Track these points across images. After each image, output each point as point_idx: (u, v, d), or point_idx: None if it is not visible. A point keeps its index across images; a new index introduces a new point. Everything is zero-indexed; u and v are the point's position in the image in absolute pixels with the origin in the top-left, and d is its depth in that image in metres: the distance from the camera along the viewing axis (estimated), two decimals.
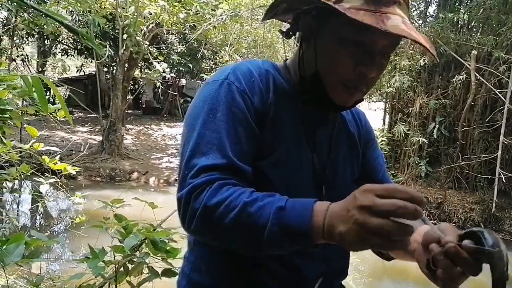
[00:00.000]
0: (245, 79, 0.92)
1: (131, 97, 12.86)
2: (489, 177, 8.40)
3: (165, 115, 19.59)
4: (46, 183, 2.61)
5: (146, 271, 1.74)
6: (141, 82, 18.49)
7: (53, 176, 3.16)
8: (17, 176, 2.78)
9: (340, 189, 1.00)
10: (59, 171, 2.69)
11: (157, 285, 1.84)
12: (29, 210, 6.92)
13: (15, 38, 12.28)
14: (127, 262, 1.70)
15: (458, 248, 0.68)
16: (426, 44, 0.83)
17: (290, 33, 0.99)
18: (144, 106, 21.47)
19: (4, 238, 1.51)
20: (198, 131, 0.87)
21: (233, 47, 13.43)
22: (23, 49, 15.72)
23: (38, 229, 6.46)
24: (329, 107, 0.98)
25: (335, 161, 1.03)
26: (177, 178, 0.89)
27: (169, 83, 18.93)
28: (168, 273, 1.72)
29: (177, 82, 19.47)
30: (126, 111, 12.91)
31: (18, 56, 14.41)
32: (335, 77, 0.90)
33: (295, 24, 0.98)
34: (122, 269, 1.68)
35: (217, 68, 15.79)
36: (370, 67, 0.88)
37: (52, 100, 14.56)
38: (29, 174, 2.64)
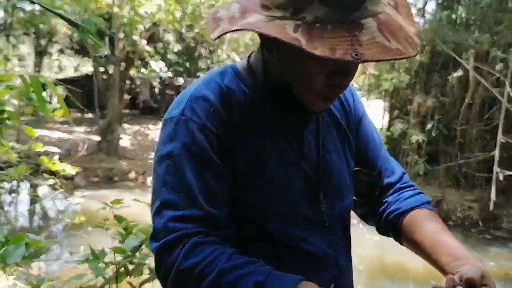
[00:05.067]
0: (203, 111, 0.82)
1: (128, 96, 12.84)
2: (487, 175, 8.43)
3: (162, 115, 19.42)
4: (45, 184, 2.59)
5: (147, 271, 1.73)
6: (138, 82, 18.47)
7: (52, 176, 3.15)
8: (16, 177, 2.77)
9: (338, 188, 0.97)
10: (57, 172, 2.67)
11: (157, 285, 1.83)
12: (28, 210, 6.89)
13: (11, 38, 12.24)
14: (127, 263, 1.69)
15: None
16: (410, 50, 0.69)
17: None
18: (141, 105, 21.41)
19: (4, 239, 1.50)
20: (162, 179, 0.82)
21: (230, 45, 13.43)
22: (19, 49, 15.67)
23: (37, 230, 6.45)
24: (304, 112, 0.88)
25: (327, 159, 0.96)
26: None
27: (166, 82, 18.90)
28: None
29: (174, 81, 19.43)
30: (123, 111, 12.88)
31: (14, 56, 14.36)
32: (310, 90, 0.81)
33: None
34: (122, 269, 1.67)
35: (214, 67, 15.79)
36: (346, 76, 0.78)
37: (48, 100, 14.53)
38: (27, 174, 2.63)
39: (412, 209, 1.01)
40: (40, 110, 2.48)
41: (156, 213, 0.81)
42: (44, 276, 1.66)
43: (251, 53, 0.94)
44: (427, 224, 0.97)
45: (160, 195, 0.82)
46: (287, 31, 0.69)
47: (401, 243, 1.03)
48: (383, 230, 1.07)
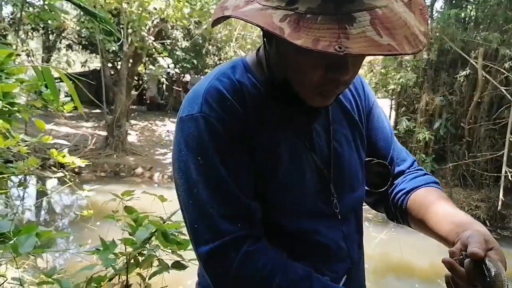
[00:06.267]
0: (221, 106, 0.82)
1: (136, 92, 12.90)
2: (495, 174, 8.38)
3: (169, 111, 19.62)
4: (54, 177, 2.60)
5: (156, 263, 1.74)
6: (145, 78, 18.52)
7: (60, 170, 3.16)
8: (25, 170, 2.78)
9: (349, 179, 0.97)
10: (67, 164, 2.68)
11: (167, 277, 1.84)
12: (35, 204, 6.96)
13: (20, 33, 12.31)
14: (137, 255, 1.70)
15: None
16: (406, 47, 0.66)
17: None
18: (148, 102, 21.50)
19: (15, 230, 1.51)
20: (194, 179, 0.81)
21: (238, 42, 13.42)
22: (28, 44, 15.76)
23: (43, 223, 6.50)
24: (302, 105, 0.87)
25: (338, 151, 0.95)
26: (186, 226, 0.85)
27: (173, 79, 18.94)
28: (177, 265, 1.72)
29: (181, 78, 19.47)
30: (130, 107, 12.94)
31: (23, 51, 14.44)
32: (306, 85, 0.80)
33: None
34: (132, 261, 1.68)
35: (221, 64, 15.77)
36: (343, 71, 0.75)
37: None
38: (37, 168, 2.64)
39: (416, 188, 1.01)
40: (51, 102, 2.50)
41: (196, 215, 0.82)
42: (56, 267, 1.67)
43: (260, 47, 0.93)
44: (429, 199, 0.96)
45: (196, 196, 0.81)
46: (274, 20, 0.68)
47: (408, 225, 1.03)
48: (392, 213, 1.07)
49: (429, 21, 0.78)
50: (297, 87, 0.82)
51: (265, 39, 0.86)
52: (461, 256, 0.74)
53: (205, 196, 0.80)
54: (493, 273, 0.69)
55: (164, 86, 17.90)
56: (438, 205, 0.94)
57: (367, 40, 0.64)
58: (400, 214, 1.03)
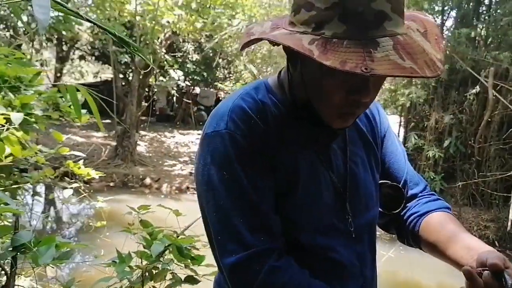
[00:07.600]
0: (245, 124, 0.86)
1: (146, 104, 13.01)
2: (505, 194, 8.29)
3: (178, 123, 19.72)
4: (70, 188, 2.65)
5: (169, 277, 1.76)
6: (155, 89, 18.67)
7: (74, 180, 3.20)
8: (39, 180, 2.83)
9: (364, 199, 1.00)
10: (81, 175, 2.72)
11: None
12: (45, 214, 7.01)
13: (34, 43, 12.50)
14: (151, 268, 1.72)
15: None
16: (426, 71, 0.71)
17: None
18: (157, 113, 21.63)
19: (34, 240, 1.54)
20: (219, 192, 0.85)
21: (248, 56, 13.51)
22: (42, 54, 15.98)
23: (50, 232, 6.54)
24: (324, 126, 0.91)
25: (354, 172, 0.99)
26: (209, 239, 0.89)
27: (183, 91, 19.08)
28: (190, 280, 1.74)
29: (191, 90, 19.60)
30: (140, 118, 13.03)
31: (37, 61, 14.65)
32: (328, 106, 0.84)
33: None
34: (146, 274, 1.71)
35: (231, 78, 15.90)
36: (364, 93, 0.80)
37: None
38: (53, 178, 2.69)
39: (429, 212, 1.04)
40: (68, 114, 2.56)
41: (220, 227, 0.85)
42: (74, 278, 1.70)
43: (281, 70, 0.98)
44: (444, 225, 0.99)
45: (221, 209, 0.85)
46: (303, 42, 0.74)
47: (420, 247, 1.06)
48: (404, 236, 1.10)
49: (443, 50, 0.83)
50: (319, 108, 0.86)
51: (289, 63, 0.90)
52: (479, 271, 0.78)
53: (229, 209, 0.84)
54: (510, 285, 0.72)
55: (174, 98, 18.04)
56: (452, 230, 0.96)
57: (391, 63, 0.69)
58: (412, 236, 1.06)
